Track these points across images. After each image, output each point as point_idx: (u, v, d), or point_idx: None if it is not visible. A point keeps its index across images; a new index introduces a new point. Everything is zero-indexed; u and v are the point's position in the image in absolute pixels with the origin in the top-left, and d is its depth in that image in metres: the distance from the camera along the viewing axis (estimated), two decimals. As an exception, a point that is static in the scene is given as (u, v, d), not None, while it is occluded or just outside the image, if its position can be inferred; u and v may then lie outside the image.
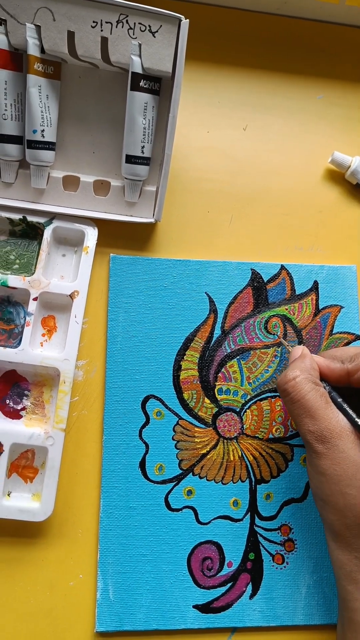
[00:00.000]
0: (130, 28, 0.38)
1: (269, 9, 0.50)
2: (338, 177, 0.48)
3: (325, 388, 0.36)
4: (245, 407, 0.42)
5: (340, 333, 0.44)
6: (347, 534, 0.33)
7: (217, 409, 0.42)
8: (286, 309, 0.44)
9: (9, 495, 0.39)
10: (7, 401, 0.40)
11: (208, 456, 0.41)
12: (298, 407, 0.35)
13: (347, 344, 0.44)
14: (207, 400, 0.42)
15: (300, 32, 0.51)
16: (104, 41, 0.38)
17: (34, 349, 0.41)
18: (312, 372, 0.36)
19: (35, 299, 0.41)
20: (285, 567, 0.40)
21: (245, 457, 0.41)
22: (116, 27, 0.38)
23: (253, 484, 0.41)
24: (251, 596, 0.39)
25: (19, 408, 0.40)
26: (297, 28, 0.51)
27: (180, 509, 0.40)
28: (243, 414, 0.42)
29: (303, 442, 0.35)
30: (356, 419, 0.34)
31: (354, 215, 0.48)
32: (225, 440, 0.42)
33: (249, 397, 0.42)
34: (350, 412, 0.34)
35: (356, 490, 0.32)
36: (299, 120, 0.49)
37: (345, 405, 0.35)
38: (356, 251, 0.47)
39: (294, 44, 0.50)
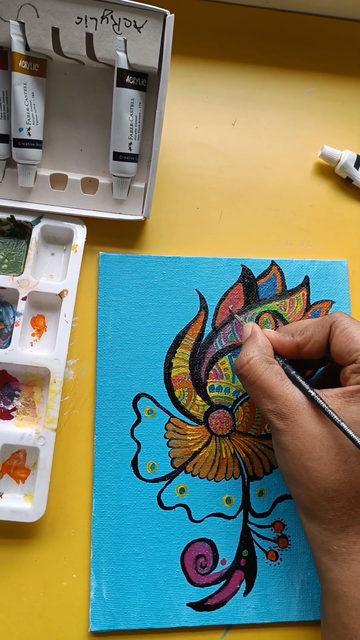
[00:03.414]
0: (115, 24, 0.37)
1: (257, 2, 0.50)
2: (328, 171, 0.48)
3: (279, 362, 0.36)
4: (237, 404, 0.42)
5: (332, 328, 0.44)
6: (314, 507, 0.33)
7: (208, 407, 0.42)
8: (277, 305, 0.44)
9: (1, 496, 0.39)
10: (-2, 402, 0.40)
11: (200, 454, 0.41)
12: (255, 389, 0.35)
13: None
14: (198, 398, 0.42)
15: (288, 25, 0.50)
16: (89, 37, 0.38)
17: (24, 349, 0.40)
18: (265, 350, 0.36)
19: (24, 299, 0.40)
20: (279, 563, 0.40)
21: (237, 454, 0.41)
22: (101, 22, 0.37)
23: (246, 480, 0.41)
24: (245, 593, 0.39)
25: (9, 409, 0.40)
26: (286, 21, 0.50)
27: (173, 507, 0.40)
28: (235, 411, 0.42)
29: (266, 421, 0.35)
30: (310, 391, 0.34)
31: (344, 209, 0.48)
32: (217, 438, 0.41)
33: (240, 394, 0.42)
34: (304, 384, 0.34)
35: (316, 463, 0.32)
36: (288, 115, 0.49)
37: (299, 378, 0.35)
38: (347, 245, 0.47)
39: (283, 37, 0.50)
